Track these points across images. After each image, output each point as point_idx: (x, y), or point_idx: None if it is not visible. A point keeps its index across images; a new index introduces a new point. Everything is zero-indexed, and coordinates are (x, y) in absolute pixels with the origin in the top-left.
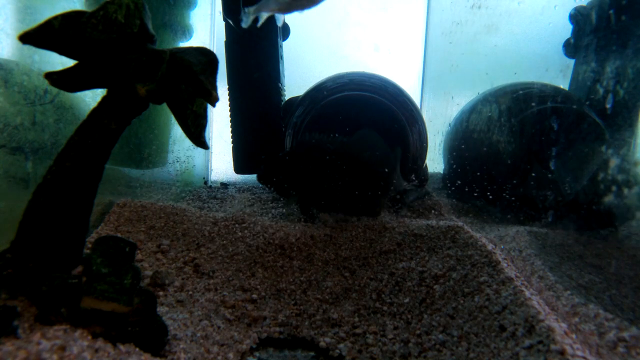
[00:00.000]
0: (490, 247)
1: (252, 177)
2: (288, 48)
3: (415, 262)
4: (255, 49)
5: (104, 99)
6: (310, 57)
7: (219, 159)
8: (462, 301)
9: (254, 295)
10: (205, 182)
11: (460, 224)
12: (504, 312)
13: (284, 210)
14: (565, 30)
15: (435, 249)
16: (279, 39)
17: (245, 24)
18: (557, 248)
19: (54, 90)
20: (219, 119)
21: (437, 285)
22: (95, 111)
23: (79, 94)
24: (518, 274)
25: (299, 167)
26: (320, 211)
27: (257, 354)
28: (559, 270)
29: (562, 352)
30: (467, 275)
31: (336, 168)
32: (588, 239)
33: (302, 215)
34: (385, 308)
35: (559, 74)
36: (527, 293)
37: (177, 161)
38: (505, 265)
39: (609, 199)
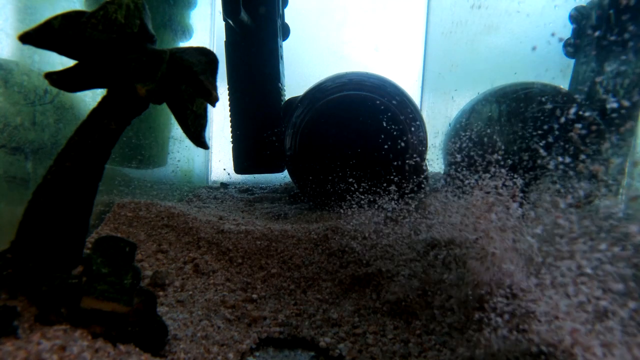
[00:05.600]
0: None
1: (253, 177)
2: (288, 48)
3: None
4: (255, 49)
5: (104, 99)
6: (310, 57)
7: (220, 158)
8: None
9: (254, 295)
10: None
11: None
12: None
13: (282, 209)
14: (565, 30)
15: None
16: (279, 39)
17: None
18: None
19: (54, 90)
20: (219, 119)
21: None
22: (95, 111)
23: (79, 94)
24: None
25: None
26: None
27: (257, 354)
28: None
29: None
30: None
31: None
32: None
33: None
34: (385, 308)
35: (559, 74)
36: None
37: (178, 161)
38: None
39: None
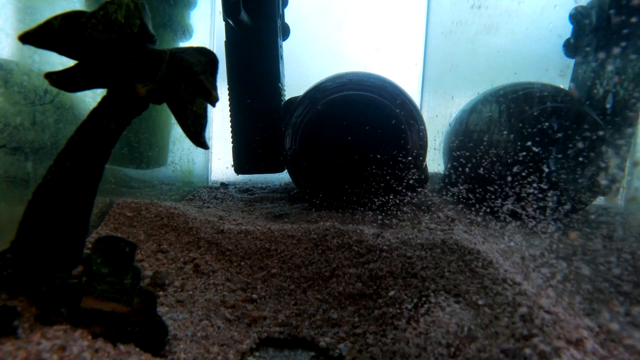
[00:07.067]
0: (486, 251)
1: (252, 177)
2: (288, 48)
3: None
4: (255, 49)
5: (104, 99)
6: (310, 57)
7: (220, 158)
8: None
9: (254, 295)
10: None
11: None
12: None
13: (282, 209)
14: (565, 30)
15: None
16: (279, 39)
17: None
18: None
19: (54, 90)
20: (219, 119)
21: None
22: (95, 111)
23: (79, 94)
24: (513, 269)
25: None
26: None
27: (257, 354)
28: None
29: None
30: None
31: None
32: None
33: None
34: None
35: (559, 74)
36: (520, 286)
37: (178, 161)
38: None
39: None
